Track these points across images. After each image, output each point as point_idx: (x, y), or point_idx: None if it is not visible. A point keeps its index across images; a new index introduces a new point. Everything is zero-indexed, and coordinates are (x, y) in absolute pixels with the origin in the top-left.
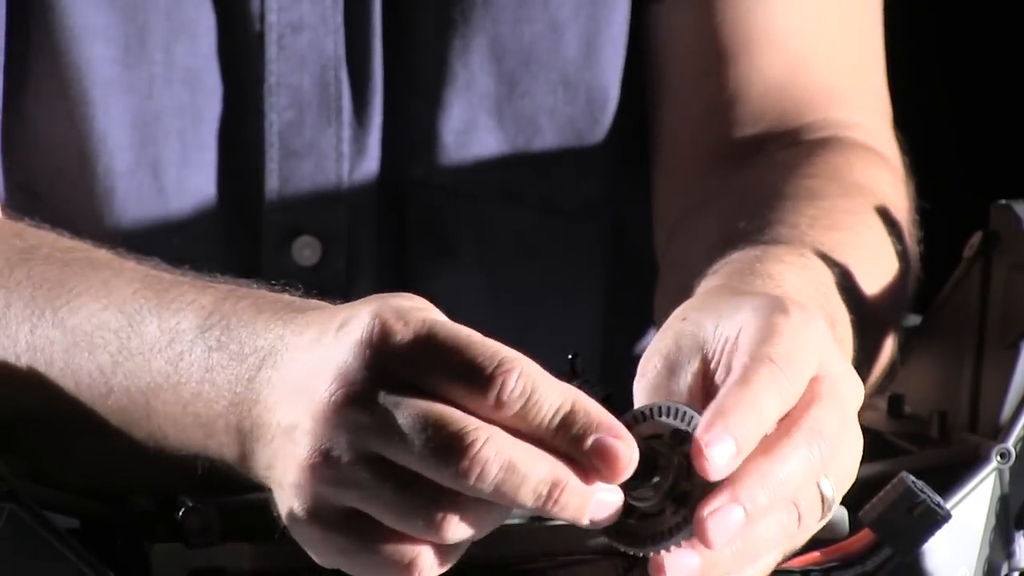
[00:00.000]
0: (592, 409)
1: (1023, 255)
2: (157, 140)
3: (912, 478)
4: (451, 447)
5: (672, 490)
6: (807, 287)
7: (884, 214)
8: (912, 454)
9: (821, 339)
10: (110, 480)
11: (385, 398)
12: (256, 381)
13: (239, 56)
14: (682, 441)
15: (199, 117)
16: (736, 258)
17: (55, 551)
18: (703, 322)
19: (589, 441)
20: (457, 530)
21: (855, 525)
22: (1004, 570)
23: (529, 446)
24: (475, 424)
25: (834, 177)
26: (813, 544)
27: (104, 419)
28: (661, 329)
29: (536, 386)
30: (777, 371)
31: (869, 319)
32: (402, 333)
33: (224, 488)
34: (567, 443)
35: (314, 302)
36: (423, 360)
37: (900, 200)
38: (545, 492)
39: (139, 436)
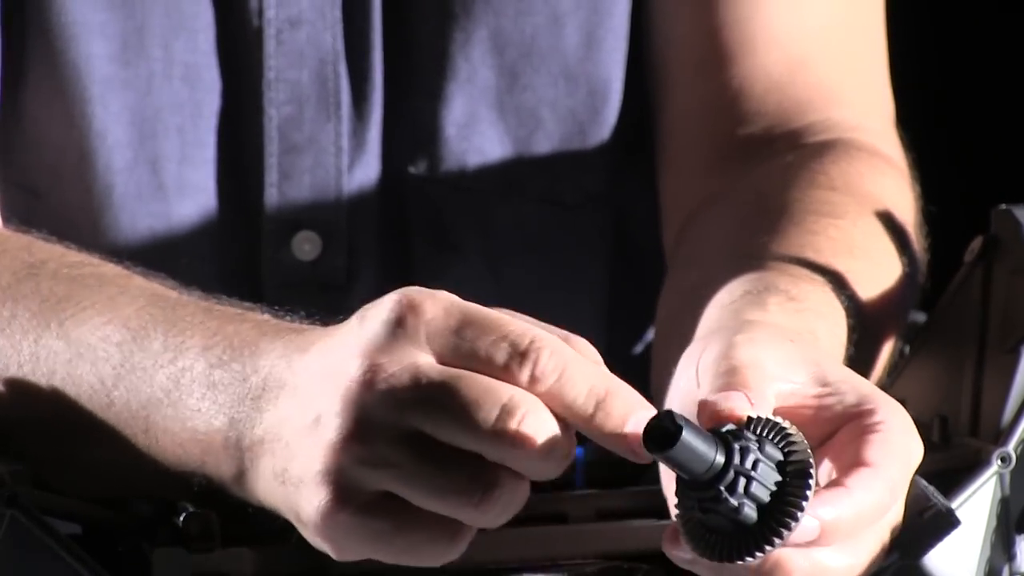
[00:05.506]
0: (627, 393)
1: None
2: (156, 136)
3: (924, 483)
4: (501, 415)
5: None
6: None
7: (897, 231)
8: None
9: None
10: (110, 489)
11: (423, 369)
12: (261, 399)
13: (238, 52)
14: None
15: (198, 113)
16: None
17: (57, 556)
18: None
19: (630, 425)
20: (495, 508)
21: None
22: (1005, 574)
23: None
24: (519, 393)
25: (850, 191)
26: None
27: (103, 431)
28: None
29: (568, 364)
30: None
31: (874, 341)
32: (432, 310)
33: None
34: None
35: (316, 327)
36: (456, 335)
37: (909, 209)
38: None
39: (136, 450)
